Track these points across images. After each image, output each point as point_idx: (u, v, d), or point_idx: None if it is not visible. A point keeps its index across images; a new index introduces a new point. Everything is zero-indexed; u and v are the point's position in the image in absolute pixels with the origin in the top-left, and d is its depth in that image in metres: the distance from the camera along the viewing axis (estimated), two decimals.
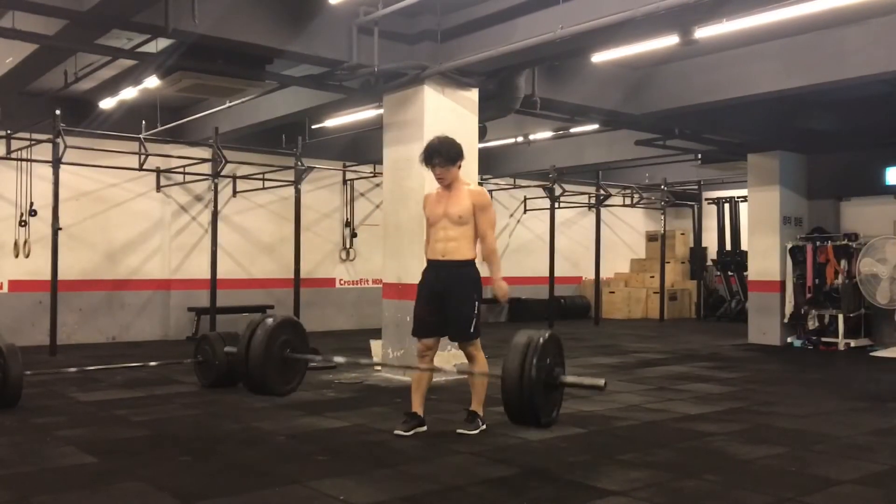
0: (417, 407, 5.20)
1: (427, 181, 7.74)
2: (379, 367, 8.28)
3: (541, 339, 4.13)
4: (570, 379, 4.22)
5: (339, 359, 5.77)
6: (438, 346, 5.30)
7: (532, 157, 14.70)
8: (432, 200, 5.26)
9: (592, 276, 15.59)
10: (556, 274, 14.65)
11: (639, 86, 9.44)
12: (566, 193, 15.22)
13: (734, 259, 15.97)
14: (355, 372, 8.22)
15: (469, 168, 8.08)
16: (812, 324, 11.22)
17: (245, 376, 4.98)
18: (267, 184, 12.37)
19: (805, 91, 8.48)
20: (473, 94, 8.11)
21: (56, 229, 9.67)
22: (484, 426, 5.13)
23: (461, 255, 5.09)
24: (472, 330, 5.08)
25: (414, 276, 7.71)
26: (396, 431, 5.11)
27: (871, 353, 10.41)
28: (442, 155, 5.05)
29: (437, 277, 5.14)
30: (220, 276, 11.07)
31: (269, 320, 5.03)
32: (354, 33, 7.48)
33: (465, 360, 5.33)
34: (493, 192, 15.90)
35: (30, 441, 5.08)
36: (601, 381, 4.09)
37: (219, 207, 11.30)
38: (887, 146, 10.84)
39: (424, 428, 5.18)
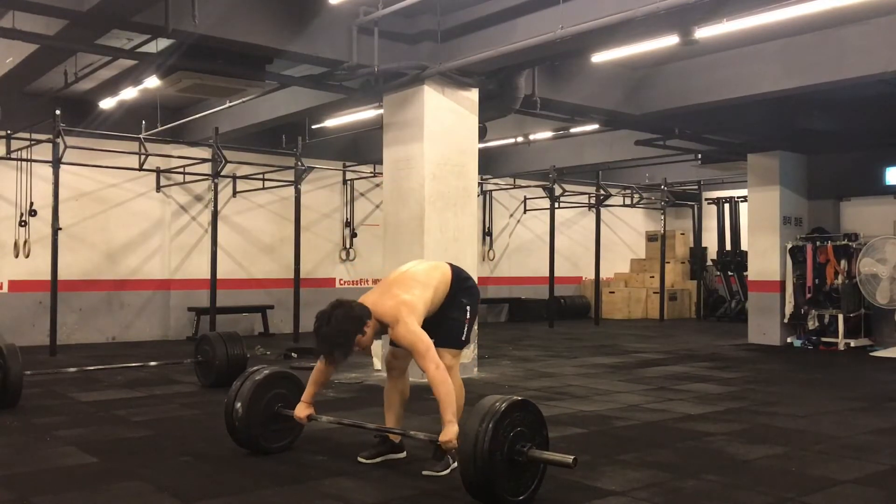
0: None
1: (427, 182, 7.78)
2: (379, 368, 8.28)
3: (502, 406, 3.63)
4: (533, 454, 3.67)
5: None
6: (410, 359, 4.58)
7: (532, 157, 14.71)
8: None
9: (592, 276, 15.58)
10: (556, 274, 14.66)
11: (639, 86, 9.44)
12: (566, 193, 15.23)
13: (734, 259, 15.97)
14: (355, 372, 8.22)
15: (469, 168, 8.12)
16: (812, 324, 11.22)
17: (231, 429, 4.65)
18: (267, 184, 12.37)
19: (805, 91, 8.48)
20: (473, 94, 8.11)
21: (56, 229, 9.67)
22: (454, 464, 4.15)
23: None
24: (462, 338, 4.50)
25: None
26: (359, 458, 4.54)
27: (871, 353, 10.41)
28: (338, 350, 4.17)
29: None
30: (220, 276, 11.07)
31: (259, 374, 4.68)
32: (354, 33, 7.48)
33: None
34: (493, 193, 15.93)
35: (30, 441, 5.08)
36: (569, 459, 3.61)
37: (219, 207, 11.30)
38: (887, 146, 10.84)
39: (401, 455, 4.59)
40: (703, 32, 6.46)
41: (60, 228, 9.77)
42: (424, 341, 4.16)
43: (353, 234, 13.84)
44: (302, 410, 4.52)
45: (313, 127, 11.70)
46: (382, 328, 4.31)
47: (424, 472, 4.26)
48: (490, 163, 14.95)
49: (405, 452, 4.62)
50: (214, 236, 10.90)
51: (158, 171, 11.86)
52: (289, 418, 4.63)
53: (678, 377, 8.16)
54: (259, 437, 4.64)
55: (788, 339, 11.49)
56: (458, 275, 4.61)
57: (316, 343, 4.18)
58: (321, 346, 4.16)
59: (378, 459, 4.52)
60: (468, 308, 4.53)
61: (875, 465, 4.60)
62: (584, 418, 5.88)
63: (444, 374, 4.10)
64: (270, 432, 4.68)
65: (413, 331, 4.17)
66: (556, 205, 14.73)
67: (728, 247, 16.37)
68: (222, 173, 10.99)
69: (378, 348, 8.35)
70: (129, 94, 9.31)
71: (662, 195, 16.11)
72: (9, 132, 10.34)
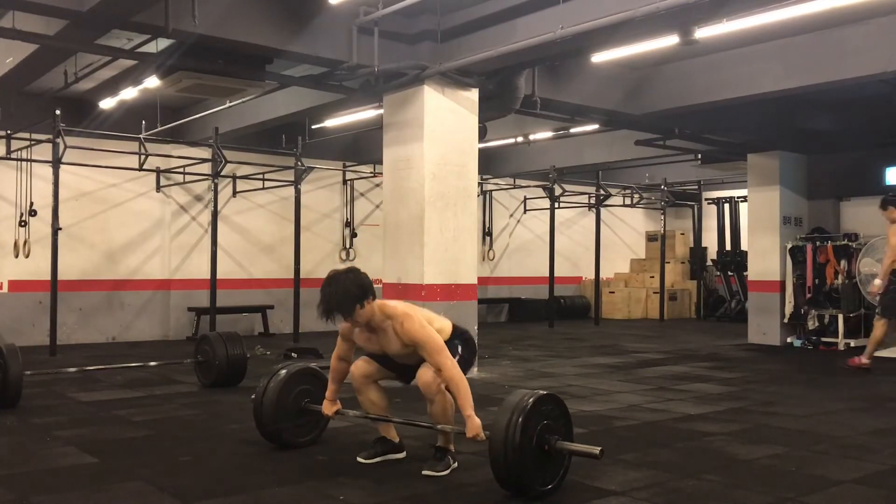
0: (385, 432, 4.63)
1: (427, 182, 7.77)
2: None
3: (531, 400, 3.80)
4: (561, 445, 3.85)
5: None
6: (380, 377, 4.60)
7: (532, 157, 14.71)
8: (357, 332, 4.40)
9: (592, 276, 15.59)
10: (556, 274, 14.67)
11: (639, 86, 9.44)
12: (566, 193, 15.23)
13: (734, 259, 15.97)
14: None
15: (469, 168, 8.12)
16: (812, 324, 11.21)
17: (259, 424, 4.81)
18: (267, 184, 12.37)
19: (805, 91, 8.48)
20: (473, 94, 8.11)
21: (56, 229, 9.67)
22: (455, 464, 4.35)
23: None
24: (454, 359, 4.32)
25: (414, 276, 7.76)
26: (359, 458, 4.55)
27: (875, 354, 10.39)
28: (336, 310, 4.11)
29: None
30: (220, 276, 11.07)
31: (284, 370, 4.82)
32: (354, 33, 7.48)
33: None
34: (493, 192, 15.92)
35: (30, 441, 5.08)
36: (596, 450, 3.79)
37: (219, 207, 11.29)
38: (887, 146, 10.84)
39: (401, 455, 4.62)
40: (703, 32, 6.46)
41: (60, 228, 9.77)
42: (437, 337, 4.16)
43: (353, 234, 13.84)
44: (329, 407, 4.62)
45: (313, 127, 11.70)
46: (376, 328, 4.28)
47: (424, 472, 4.26)
48: (490, 163, 14.95)
49: (405, 452, 4.63)
50: (214, 236, 10.90)
51: (158, 171, 11.86)
52: (315, 413, 4.75)
53: (678, 377, 8.16)
54: (286, 432, 4.77)
55: (788, 339, 11.49)
56: (458, 329, 4.57)
57: (320, 300, 4.13)
58: (323, 303, 4.12)
59: (377, 459, 4.53)
60: (460, 347, 4.46)
61: (875, 465, 4.60)
62: (584, 418, 5.88)
63: (459, 369, 4.12)
64: (297, 427, 4.82)
65: (425, 326, 4.18)
66: (556, 205, 14.73)
67: (728, 247, 16.37)
68: (222, 173, 10.99)
69: None
70: (129, 94, 9.30)
71: (662, 195, 16.11)
72: (9, 132, 10.34)
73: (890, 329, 8.68)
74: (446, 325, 4.48)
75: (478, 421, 3.98)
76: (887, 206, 8.79)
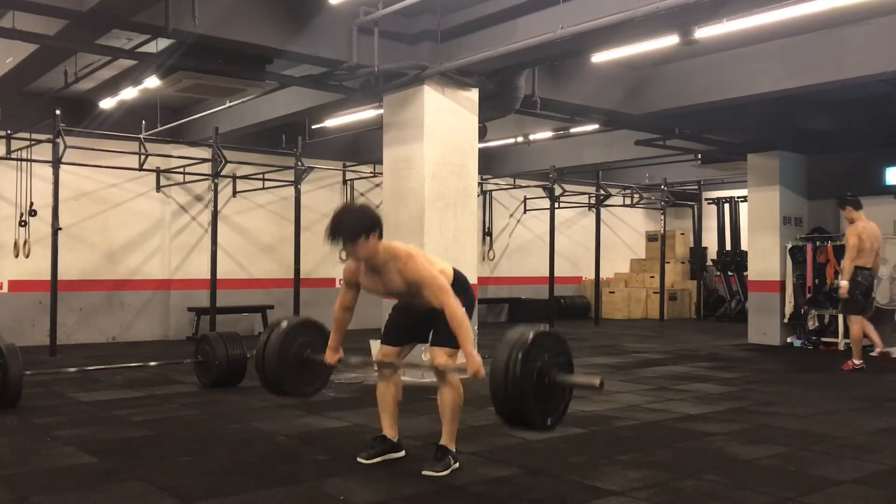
0: (387, 429, 4.60)
1: (427, 182, 7.77)
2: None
3: (530, 335, 3.79)
4: (561, 378, 3.83)
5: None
6: (403, 357, 4.66)
7: (532, 157, 14.71)
8: (362, 273, 4.40)
9: (592, 276, 15.59)
10: (556, 274, 14.65)
11: (639, 86, 9.44)
12: (566, 193, 15.23)
13: (734, 259, 15.96)
14: (355, 372, 8.22)
15: (469, 168, 8.12)
16: (812, 324, 11.21)
17: (263, 379, 4.80)
18: (267, 184, 12.38)
19: (805, 91, 8.48)
20: (473, 94, 8.11)
21: (56, 229, 9.68)
22: (457, 464, 4.31)
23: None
24: None
25: None
26: (359, 459, 4.52)
27: (871, 354, 10.38)
28: (341, 234, 4.12)
29: None
30: (220, 276, 11.07)
31: (285, 322, 4.82)
32: (354, 33, 7.49)
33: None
34: (493, 192, 15.92)
35: (30, 441, 5.08)
36: (596, 380, 3.79)
37: (219, 207, 11.29)
38: (887, 146, 10.84)
39: (400, 454, 4.60)
40: (703, 32, 6.46)
41: (60, 228, 9.77)
42: (440, 277, 4.19)
43: None
44: (331, 356, 4.63)
45: (313, 127, 11.70)
46: (380, 268, 4.27)
47: (424, 473, 4.25)
48: (490, 163, 14.95)
49: (404, 451, 4.62)
50: (214, 236, 10.90)
51: (158, 171, 11.86)
52: (318, 363, 4.73)
53: (678, 377, 8.16)
54: (289, 383, 4.75)
55: (788, 339, 11.48)
56: (459, 277, 4.58)
57: (329, 230, 4.13)
58: (331, 227, 4.13)
59: (377, 459, 4.52)
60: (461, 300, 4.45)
61: (875, 465, 4.60)
62: (584, 418, 5.88)
63: (462, 308, 4.13)
64: (301, 378, 4.80)
65: (428, 266, 4.20)
66: (556, 205, 14.72)
67: (728, 247, 16.36)
68: (222, 173, 10.99)
69: (378, 348, 8.34)
70: (129, 94, 9.30)
71: (662, 195, 16.11)
72: (9, 132, 10.34)
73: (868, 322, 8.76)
74: (447, 269, 4.51)
75: (479, 358, 3.99)
76: (845, 206, 8.83)
